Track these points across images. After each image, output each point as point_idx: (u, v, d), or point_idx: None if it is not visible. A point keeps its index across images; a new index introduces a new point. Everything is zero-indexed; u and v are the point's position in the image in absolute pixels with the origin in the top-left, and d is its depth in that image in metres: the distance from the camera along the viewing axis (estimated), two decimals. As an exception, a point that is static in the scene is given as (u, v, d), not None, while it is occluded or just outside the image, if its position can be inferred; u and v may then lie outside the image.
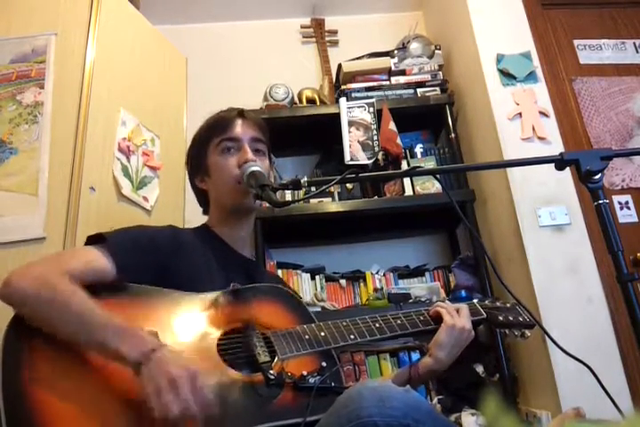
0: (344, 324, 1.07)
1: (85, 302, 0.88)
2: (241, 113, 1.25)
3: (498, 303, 1.25)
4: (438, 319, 1.14)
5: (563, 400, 1.67)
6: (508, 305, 1.24)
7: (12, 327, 0.86)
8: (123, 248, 1.00)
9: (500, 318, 1.20)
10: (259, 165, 1.15)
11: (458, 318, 1.12)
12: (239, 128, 1.22)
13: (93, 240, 1.03)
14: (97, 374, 0.83)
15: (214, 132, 1.22)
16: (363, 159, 2.19)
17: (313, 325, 1.06)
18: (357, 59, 2.45)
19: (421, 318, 1.14)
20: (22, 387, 0.78)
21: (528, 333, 1.19)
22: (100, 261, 0.97)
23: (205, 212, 1.30)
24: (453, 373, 1.86)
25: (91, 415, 0.79)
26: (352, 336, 1.05)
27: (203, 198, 1.29)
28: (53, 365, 0.83)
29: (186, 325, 0.96)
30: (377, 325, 1.09)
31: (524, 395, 1.93)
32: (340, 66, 2.43)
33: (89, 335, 0.84)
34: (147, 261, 1.02)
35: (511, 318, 1.20)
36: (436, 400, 1.86)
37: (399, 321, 1.11)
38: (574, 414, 0.97)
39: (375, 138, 2.22)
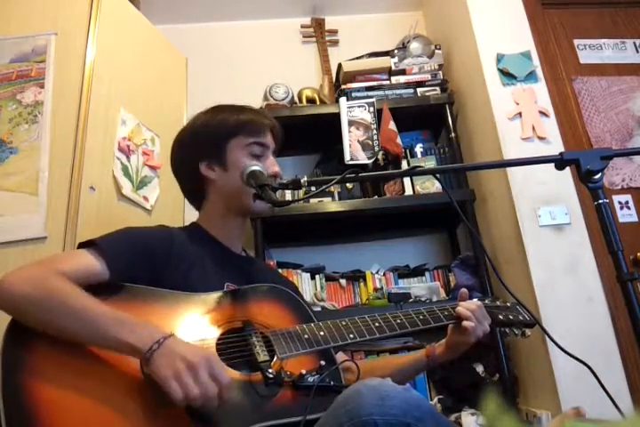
0: (343, 323, 1.07)
1: (83, 298, 0.88)
2: (272, 128, 1.27)
3: (498, 302, 1.25)
4: (441, 318, 1.14)
5: (563, 400, 1.67)
6: (509, 304, 1.25)
7: (11, 330, 0.85)
8: (114, 249, 1.01)
9: (501, 316, 1.19)
10: (258, 164, 1.15)
11: (486, 326, 1.13)
12: (270, 137, 1.26)
13: (85, 245, 1.03)
14: (98, 373, 0.84)
15: (246, 130, 1.21)
16: (363, 159, 2.19)
17: (312, 324, 1.06)
18: (357, 58, 2.45)
19: (421, 317, 1.14)
20: (22, 387, 0.78)
21: (528, 331, 1.19)
22: (91, 262, 0.97)
23: (197, 206, 1.28)
24: (453, 373, 1.86)
25: (93, 413, 0.79)
26: (351, 335, 1.05)
27: (199, 186, 1.24)
28: (54, 364, 0.83)
29: (184, 325, 0.96)
30: (376, 324, 1.09)
31: (524, 395, 1.93)
32: (340, 65, 2.43)
33: (92, 330, 0.84)
34: (141, 262, 1.02)
35: (511, 317, 1.20)
36: (436, 400, 1.86)
37: (399, 320, 1.11)
38: (574, 414, 0.97)
39: (375, 137, 2.22)
